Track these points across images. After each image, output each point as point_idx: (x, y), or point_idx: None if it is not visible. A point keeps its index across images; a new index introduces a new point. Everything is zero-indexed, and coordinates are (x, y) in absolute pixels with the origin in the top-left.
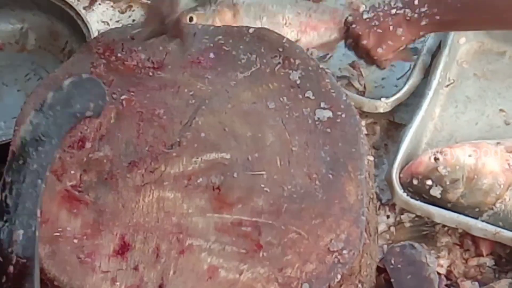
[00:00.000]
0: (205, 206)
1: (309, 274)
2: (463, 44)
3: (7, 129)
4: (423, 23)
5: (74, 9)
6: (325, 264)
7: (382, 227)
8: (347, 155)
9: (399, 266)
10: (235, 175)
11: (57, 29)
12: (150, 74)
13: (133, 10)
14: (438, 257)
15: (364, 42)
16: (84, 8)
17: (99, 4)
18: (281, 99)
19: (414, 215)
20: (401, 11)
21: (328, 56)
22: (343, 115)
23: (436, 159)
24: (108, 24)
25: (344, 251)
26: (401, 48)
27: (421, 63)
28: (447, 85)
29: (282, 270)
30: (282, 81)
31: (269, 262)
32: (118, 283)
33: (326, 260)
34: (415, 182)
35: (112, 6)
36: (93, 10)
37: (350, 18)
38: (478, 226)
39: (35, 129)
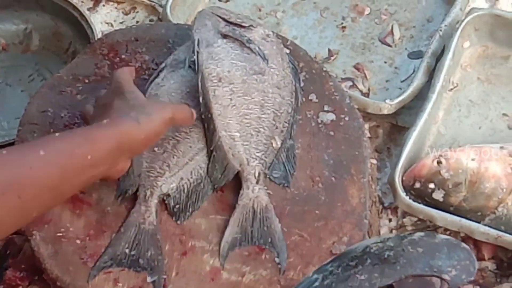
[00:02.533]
0: (208, 207)
1: None
2: (467, 48)
3: (10, 130)
4: None
5: (78, 10)
6: None
7: (384, 230)
8: (350, 158)
9: None
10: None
11: (61, 30)
12: None
13: (137, 12)
14: None
15: None
16: (88, 9)
17: (103, 5)
18: None
19: (416, 219)
20: None
21: (332, 58)
22: (347, 118)
23: (439, 162)
24: (112, 25)
25: None
26: None
27: (425, 66)
28: (451, 89)
29: (284, 272)
30: None
31: (271, 264)
32: (120, 284)
33: None
34: (417, 185)
35: (116, 8)
36: (97, 11)
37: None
38: (480, 230)
39: None
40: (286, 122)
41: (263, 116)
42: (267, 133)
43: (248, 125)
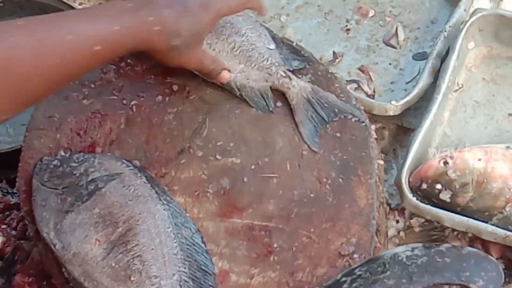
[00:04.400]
0: (215, 210)
1: (320, 278)
2: (471, 49)
3: (16, 136)
4: None
5: None
6: (336, 268)
7: (391, 232)
8: (357, 159)
9: None
10: (245, 179)
11: None
12: (160, 79)
13: None
14: None
15: None
16: None
17: None
18: None
19: (423, 220)
20: None
21: (337, 61)
22: (353, 120)
23: (445, 163)
24: None
25: (355, 255)
26: None
27: (430, 67)
28: (456, 90)
29: (293, 274)
30: None
31: (280, 266)
32: None
33: (337, 264)
34: (424, 186)
35: None
36: None
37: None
38: (488, 230)
39: None
40: (263, 28)
41: (244, 37)
42: (259, 45)
43: (240, 51)
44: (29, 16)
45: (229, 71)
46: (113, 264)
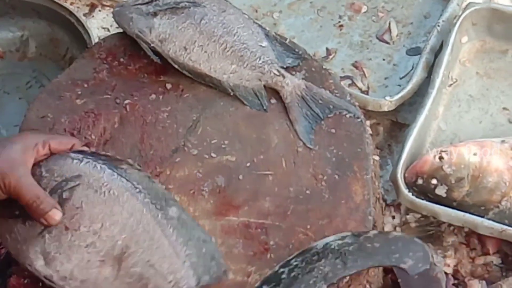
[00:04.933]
0: (211, 209)
1: None
2: (465, 43)
3: None
4: None
5: (75, 16)
6: None
7: (388, 228)
8: (353, 155)
9: None
10: (240, 177)
11: (58, 36)
12: (153, 78)
13: None
14: (444, 256)
15: None
16: (84, 14)
17: (99, 10)
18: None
19: (419, 215)
20: None
21: (330, 57)
22: (348, 115)
23: (440, 158)
24: (108, 30)
25: None
26: None
27: (424, 62)
28: (450, 84)
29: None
30: None
31: (277, 263)
32: None
33: None
34: (420, 181)
35: (112, 13)
36: (93, 16)
37: None
38: (484, 225)
39: None
40: (256, 25)
41: (236, 36)
42: (251, 43)
43: (232, 52)
44: (21, 16)
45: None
46: (128, 280)
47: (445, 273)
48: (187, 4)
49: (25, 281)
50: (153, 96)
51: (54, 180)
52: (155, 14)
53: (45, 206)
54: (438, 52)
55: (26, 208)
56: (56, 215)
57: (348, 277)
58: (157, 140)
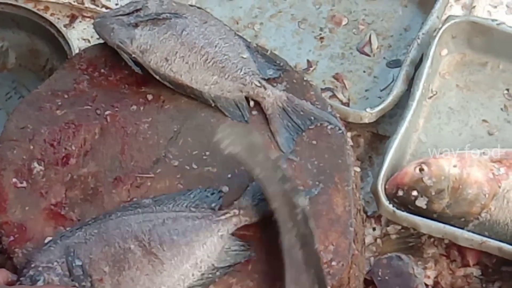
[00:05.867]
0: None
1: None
2: (445, 55)
3: None
4: None
5: (55, 27)
6: None
7: (368, 239)
8: (334, 167)
9: (387, 277)
10: (223, 189)
11: (38, 47)
12: (134, 89)
13: None
14: (425, 268)
15: None
16: (65, 25)
17: (80, 21)
18: None
19: (400, 227)
20: None
21: (311, 69)
22: (329, 127)
23: (421, 170)
24: (89, 41)
25: (333, 262)
26: None
27: (404, 75)
28: (430, 97)
29: (271, 282)
30: None
31: (258, 275)
32: None
33: None
34: (400, 193)
35: (92, 24)
36: (73, 27)
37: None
38: (464, 236)
39: None
40: (237, 37)
41: (217, 48)
42: (232, 55)
43: (213, 63)
44: (1, 26)
45: None
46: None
47: (426, 284)
48: (168, 15)
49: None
50: (134, 107)
51: None
52: (136, 25)
53: None
54: (418, 64)
55: None
56: None
57: None
58: (138, 151)
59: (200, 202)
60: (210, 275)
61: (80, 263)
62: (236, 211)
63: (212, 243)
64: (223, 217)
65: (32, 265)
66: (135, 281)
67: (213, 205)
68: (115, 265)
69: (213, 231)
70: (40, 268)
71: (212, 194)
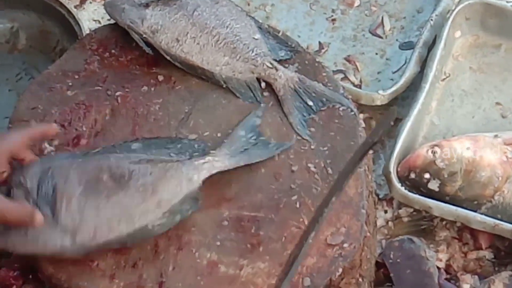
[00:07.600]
0: (203, 201)
1: (310, 268)
2: (458, 37)
3: None
4: None
5: (65, 8)
6: (326, 257)
7: (380, 222)
8: (346, 148)
9: (398, 260)
10: (232, 170)
11: (48, 28)
12: (145, 70)
13: None
14: (437, 251)
15: None
16: (75, 6)
17: (90, 2)
18: None
19: (412, 210)
20: None
21: (323, 51)
22: (341, 108)
23: (433, 152)
24: (99, 22)
25: (345, 244)
26: None
27: (417, 56)
28: (443, 79)
29: (282, 265)
30: None
31: (269, 257)
32: (116, 280)
33: (327, 254)
34: (412, 176)
35: (103, 4)
36: (84, 8)
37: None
38: (477, 219)
39: None
40: (249, 18)
41: (229, 29)
42: (244, 36)
43: (225, 44)
44: (11, 7)
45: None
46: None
47: (438, 267)
48: None
49: (15, 274)
50: (145, 88)
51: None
52: (147, 5)
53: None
54: (431, 46)
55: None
56: (38, 219)
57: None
58: (148, 132)
59: (183, 150)
60: (171, 216)
61: (54, 182)
62: (210, 158)
63: (178, 185)
64: (196, 162)
65: (11, 178)
66: (99, 209)
67: (194, 154)
68: (85, 190)
69: (182, 173)
70: (15, 181)
71: (199, 146)
